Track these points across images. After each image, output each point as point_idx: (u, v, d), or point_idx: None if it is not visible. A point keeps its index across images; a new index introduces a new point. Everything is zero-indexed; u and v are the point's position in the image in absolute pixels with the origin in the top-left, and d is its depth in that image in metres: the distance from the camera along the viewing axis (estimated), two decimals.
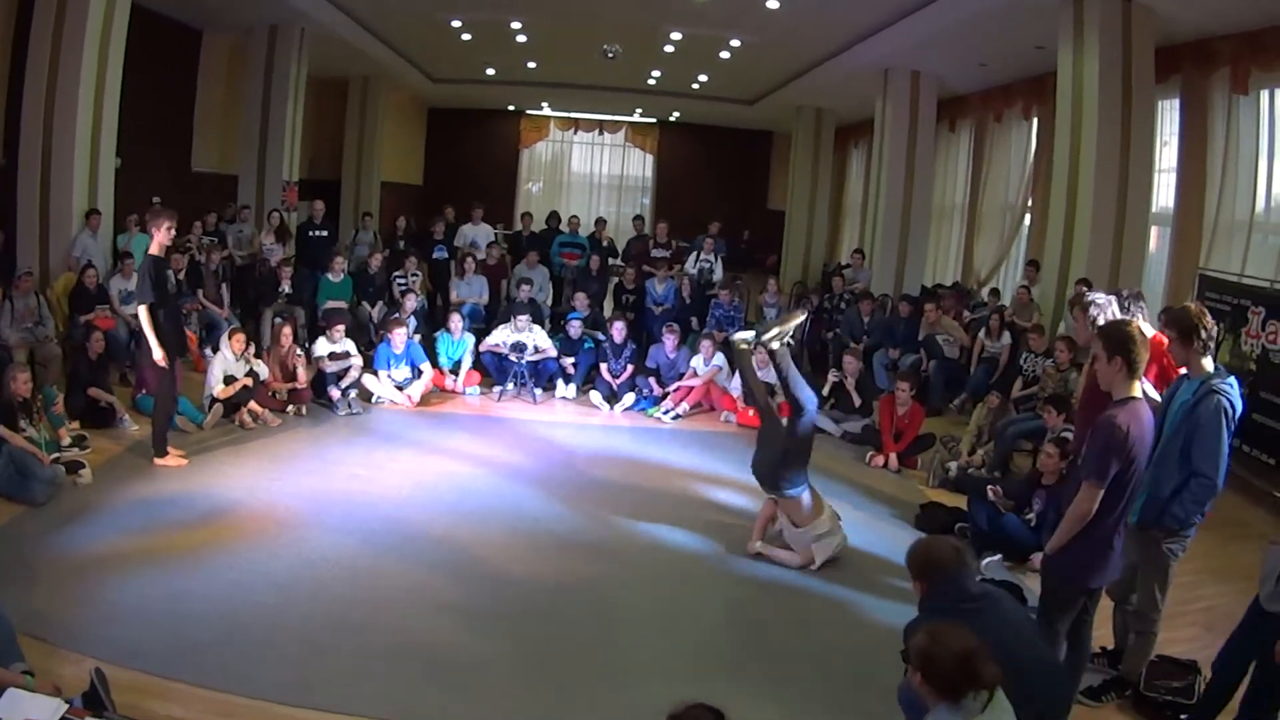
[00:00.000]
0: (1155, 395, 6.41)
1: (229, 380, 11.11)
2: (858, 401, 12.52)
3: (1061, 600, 5.59)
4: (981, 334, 14.15)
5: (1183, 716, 5.95)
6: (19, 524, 7.99)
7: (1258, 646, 5.29)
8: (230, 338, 11.39)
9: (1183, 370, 6.19)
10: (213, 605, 6.84)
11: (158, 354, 9.25)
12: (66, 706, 4.11)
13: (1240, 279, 11.50)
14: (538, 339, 13.60)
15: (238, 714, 5.59)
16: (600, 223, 20.20)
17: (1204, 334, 5.85)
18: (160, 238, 9.22)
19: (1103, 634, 6.38)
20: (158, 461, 9.55)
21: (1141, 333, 5.48)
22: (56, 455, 9.07)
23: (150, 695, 5.60)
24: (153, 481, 9.23)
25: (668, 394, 13.32)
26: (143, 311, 9.23)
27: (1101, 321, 6.75)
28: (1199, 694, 5.96)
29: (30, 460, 8.53)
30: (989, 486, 9.00)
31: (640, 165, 34.33)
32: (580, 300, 15.21)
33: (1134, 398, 5.25)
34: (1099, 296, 7.10)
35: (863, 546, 8.80)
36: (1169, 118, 13.84)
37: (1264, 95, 12.34)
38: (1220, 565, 6.09)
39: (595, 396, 13.43)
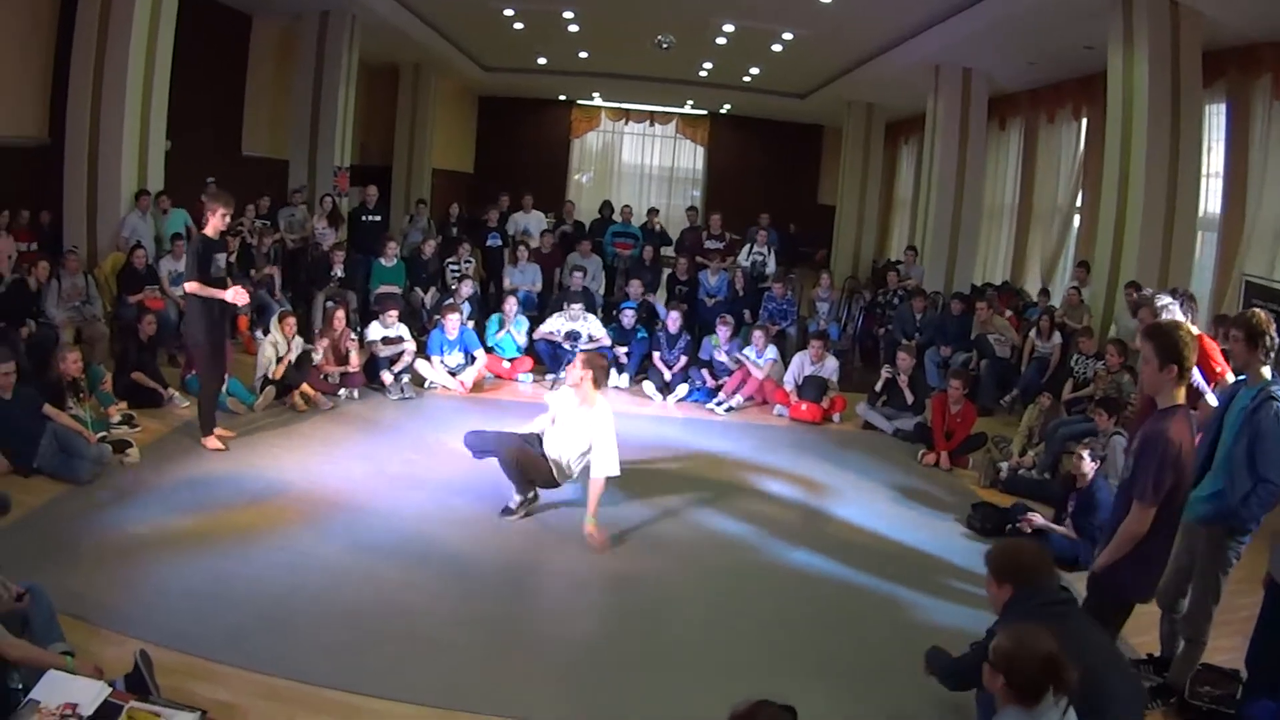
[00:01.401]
0: (1213, 400, 6.55)
1: (281, 361, 11.05)
2: (910, 398, 12.33)
3: (1110, 615, 5.44)
4: (1032, 334, 14.01)
5: None
6: (63, 503, 7.91)
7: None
8: (281, 321, 11.37)
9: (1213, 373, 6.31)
10: (260, 588, 6.76)
11: (228, 295, 9.19)
12: (109, 690, 3.97)
13: None
14: (592, 328, 13.52)
15: (284, 697, 5.50)
16: (653, 212, 20.10)
17: (1269, 341, 5.82)
18: (215, 222, 9.11)
19: (1146, 640, 6.31)
20: (204, 442, 9.44)
21: (1193, 336, 5.35)
22: (103, 434, 9.02)
23: (195, 677, 5.50)
24: (201, 462, 9.15)
25: (721, 386, 13.15)
26: (191, 287, 9.08)
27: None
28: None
29: (76, 439, 8.48)
30: (1019, 519, 8.88)
31: (691, 157, 34.15)
32: (635, 288, 15.06)
33: (1179, 405, 5.15)
34: (1166, 299, 6.96)
35: (915, 545, 8.75)
36: (1215, 123, 13.61)
37: None
38: (1261, 574, 5.90)
39: (648, 387, 13.29)
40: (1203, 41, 12.46)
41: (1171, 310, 6.94)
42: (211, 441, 9.44)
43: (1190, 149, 12.62)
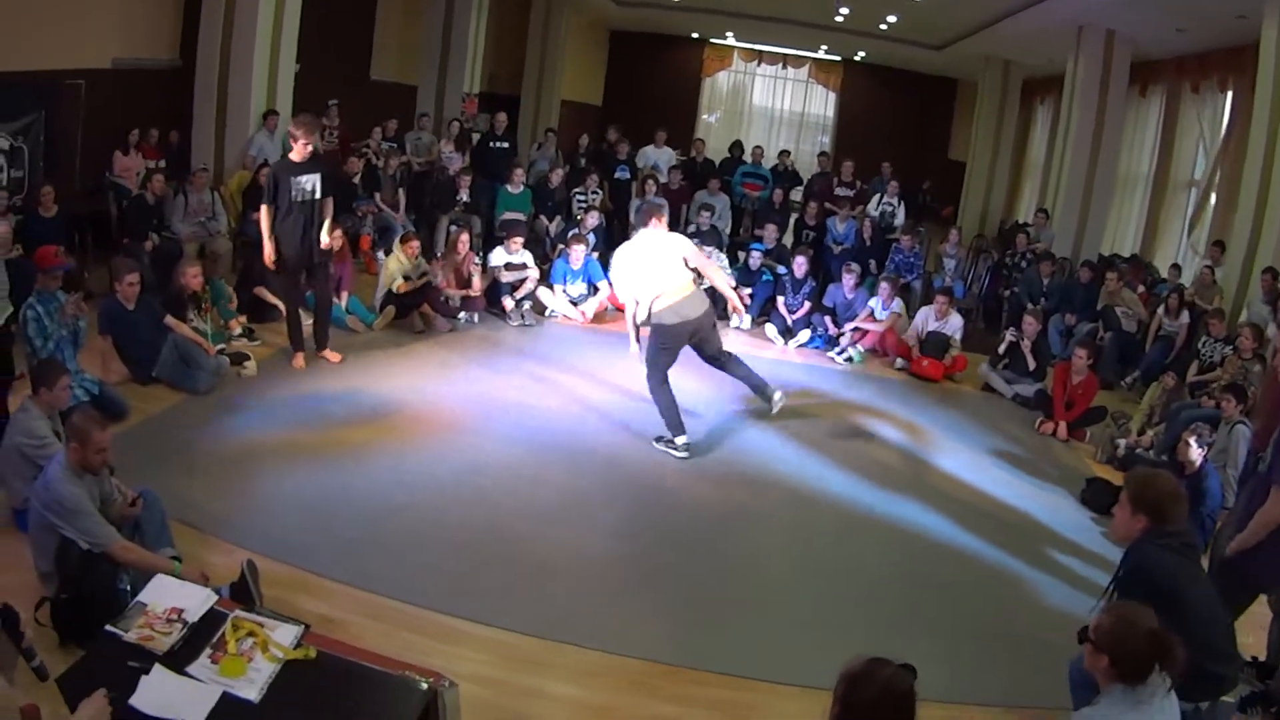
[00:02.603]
0: None
1: (407, 279, 11.02)
2: (1032, 364, 12.00)
3: (1232, 601, 5.31)
4: (1160, 311, 13.46)
5: None
6: (180, 412, 7.99)
7: None
8: (404, 243, 11.33)
9: None
10: (371, 504, 6.78)
11: (268, 251, 9.06)
12: (215, 598, 3.90)
13: None
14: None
15: (386, 616, 5.48)
16: (784, 154, 19.86)
17: None
18: (299, 149, 8.98)
19: (1252, 643, 5.99)
20: (293, 359, 9.46)
21: None
22: (222, 347, 9.09)
23: (300, 590, 5.52)
24: (318, 377, 9.18)
25: (843, 334, 12.90)
26: (264, 211, 9.06)
27: None
28: None
29: (195, 350, 8.55)
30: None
31: (822, 103, 33.56)
32: (769, 231, 14.78)
33: None
34: None
35: (1027, 513, 8.54)
36: None
37: None
38: None
39: (770, 330, 13.10)
40: None
41: None
42: (298, 360, 9.43)
43: None
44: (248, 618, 3.76)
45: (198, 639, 3.63)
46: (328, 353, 9.61)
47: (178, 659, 3.53)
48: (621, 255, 8.86)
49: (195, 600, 3.81)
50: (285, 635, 3.69)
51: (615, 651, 5.51)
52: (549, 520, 6.99)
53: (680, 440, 8.48)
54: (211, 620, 3.73)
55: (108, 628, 3.65)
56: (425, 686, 3.71)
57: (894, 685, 3.30)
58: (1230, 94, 16.71)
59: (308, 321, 9.79)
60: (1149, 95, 20.41)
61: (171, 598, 3.80)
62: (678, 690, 5.30)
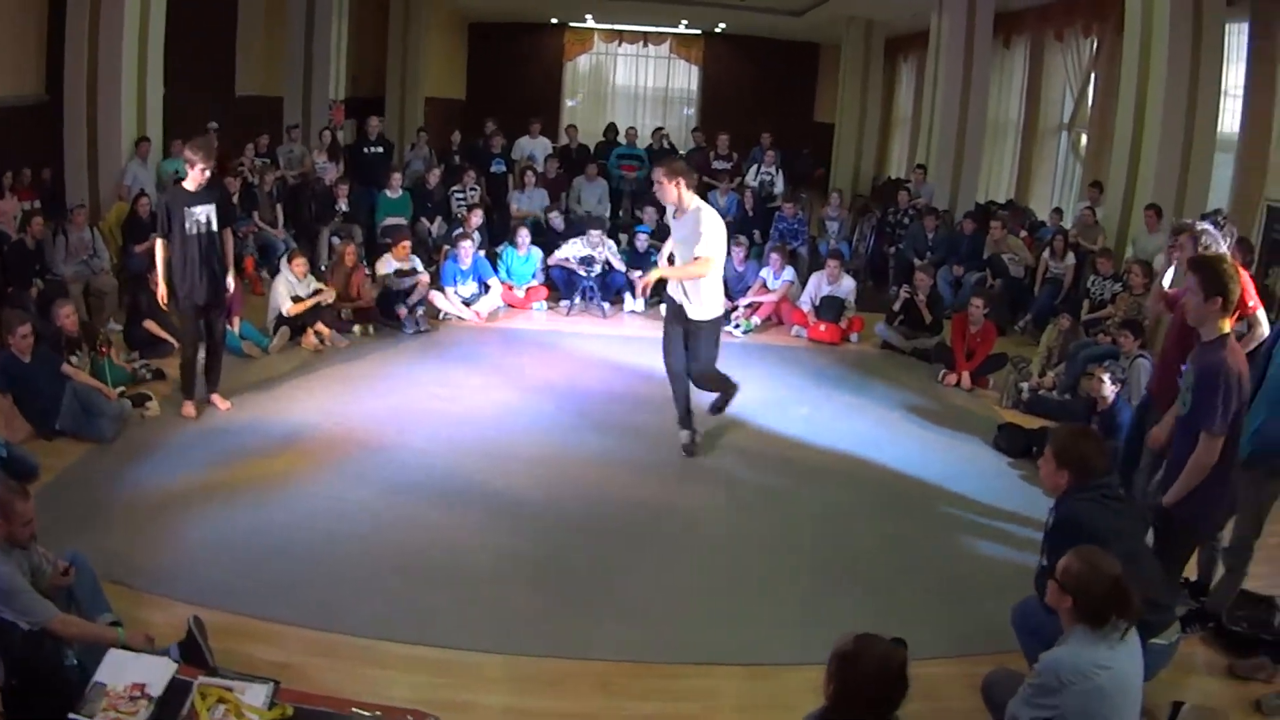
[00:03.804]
0: (1265, 322, 6.55)
1: (297, 300, 10.81)
2: (929, 318, 12.18)
3: (1179, 547, 5.60)
4: (1046, 254, 13.83)
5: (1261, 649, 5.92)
6: (89, 463, 7.68)
7: None
8: (290, 261, 11.12)
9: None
10: (301, 537, 6.62)
11: (160, 291, 8.70)
12: (175, 667, 3.77)
13: None
14: (610, 253, 13.34)
15: (341, 653, 5.35)
16: (659, 132, 19.97)
17: None
18: (195, 175, 8.36)
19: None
20: (183, 409, 8.80)
21: (1236, 269, 5.41)
22: (122, 389, 8.76)
23: (248, 638, 5.35)
24: (222, 412, 8.89)
25: (737, 307, 12.92)
26: (158, 245, 8.62)
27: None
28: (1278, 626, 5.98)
29: (96, 397, 8.23)
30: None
31: (685, 77, 33.57)
32: (649, 214, 14.76)
33: (1226, 334, 5.22)
34: (1209, 227, 6.80)
35: (947, 464, 8.76)
36: (1235, 42, 13.16)
37: None
38: None
39: (665, 310, 12.99)
40: None
41: (1214, 239, 6.76)
42: (188, 408, 8.81)
43: (1210, 69, 12.38)
44: (213, 683, 3.64)
45: (166, 714, 3.50)
46: (216, 398, 9.00)
47: None
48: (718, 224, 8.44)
49: (155, 672, 3.67)
50: (256, 696, 3.59)
51: (580, 656, 5.49)
52: (487, 529, 6.94)
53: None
54: (176, 691, 3.60)
55: (71, 715, 3.50)
56: None
57: (888, 660, 3.41)
58: (1095, 39, 17.01)
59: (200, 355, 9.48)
60: (1013, 45, 20.80)
61: (130, 673, 3.65)
62: (650, 686, 5.33)
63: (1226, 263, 5.35)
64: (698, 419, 8.69)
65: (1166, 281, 6.95)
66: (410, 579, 6.17)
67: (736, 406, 9.16)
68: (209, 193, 8.49)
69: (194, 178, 8.35)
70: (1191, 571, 6.48)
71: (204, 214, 8.41)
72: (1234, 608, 6.09)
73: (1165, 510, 5.39)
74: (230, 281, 8.78)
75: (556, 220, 14.89)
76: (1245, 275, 6.79)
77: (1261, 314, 6.61)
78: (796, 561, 6.89)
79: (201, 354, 8.89)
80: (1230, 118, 13.21)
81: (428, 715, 3.74)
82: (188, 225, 8.33)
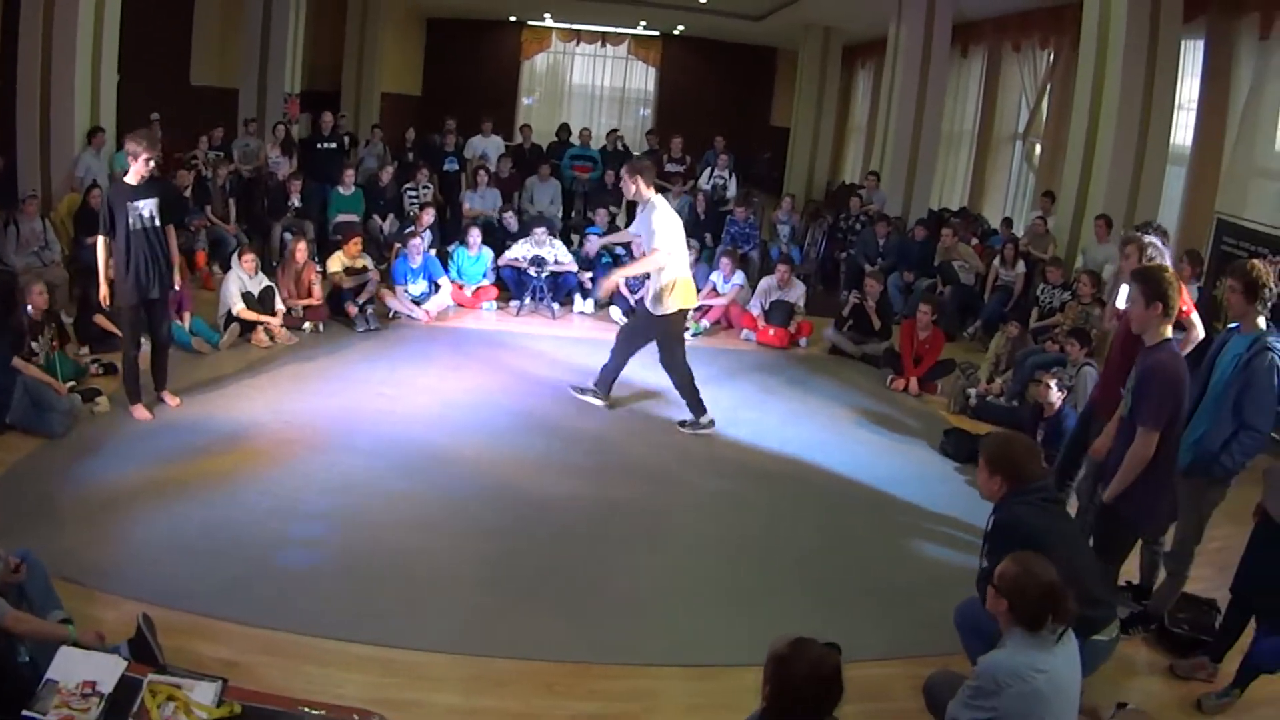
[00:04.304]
0: (1199, 325, 6.73)
1: (247, 298, 10.79)
2: (878, 324, 12.38)
3: (1119, 544, 5.83)
4: (996, 262, 14.06)
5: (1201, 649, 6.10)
6: (39, 459, 7.62)
7: (1272, 562, 5.54)
8: (241, 257, 11.08)
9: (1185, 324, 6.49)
10: (250, 536, 6.63)
11: (103, 291, 8.32)
12: (125, 664, 3.82)
13: (1259, 228, 11.15)
14: (558, 253, 13.37)
15: (288, 652, 5.38)
16: (613, 134, 20.02)
17: (1267, 294, 5.91)
18: (139, 168, 8.14)
19: (1128, 568, 6.40)
20: (131, 411, 8.64)
21: (1176, 278, 5.66)
22: (73, 384, 8.68)
23: (196, 637, 5.37)
24: (173, 407, 8.85)
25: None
26: (99, 243, 8.26)
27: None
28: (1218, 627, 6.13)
29: (46, 391, 8.11)
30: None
31: (642, 78, 33.71)
32: (601, 215, 14.91)
33: (1170, 339, 5.51)
34: (1156, 240, 7.01)
35: (894, 468, 8.92)
36: (1190, 59, 13.48)
37: None
38: (1231, 508, 6.22)
39: (614, 312, 13.15)
40: None
41: (1159, 251, 6.96)
42: (140, 411, 8.65)
43: (1165, 84, 12.62)
44: (163, 680, 3.69)
45: (117, 711, 3.54)
46: (166, 395, 8.92)
47: None
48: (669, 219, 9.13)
49: (106, 670, 3.72)
50: (205, 694, 3.64)
51: (525, 656, 5.56)
52: (433, 530, 6.98)
53: (705, 419, 9.27)
54: (127, 688, 3.64)
55: (25, 713, 3.54)
56: None
57: (823, 663, 3.51)
58: (1051, 51, 17.29)
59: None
60: (971, 55, 21.14)
61: (81, 670, 3.69)
62: (592, 686, 5.39)
63: (1167, 272, 5.61)
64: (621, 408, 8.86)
65: (1120, 301, 7.14)
66: (358, 579, 6.21)
67: (682, 409, 9.34)
68: (152, 186, 8.32)
69: (137, 170, 8.15)
70: (1135, 575, 6.72)
71: (147, 208, 8.22)
72: (1175, 610, 6.31)
73: (1108, 508, 5.60)
74: (176, 278, 8.66)
75: (510, 221, 14.92)
76: (1182, 284, 7.07)
77: (1195, 318, 6.80)
78: (742, 563, 6.99)
79: (146, 349, 8.82)
80: (1183, 131, 13.49)
81: (374, 714, 3.79)
82: (131, 220, 8.13)
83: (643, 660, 5.69)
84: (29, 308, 8.68)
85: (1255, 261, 6.10)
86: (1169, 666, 6.02)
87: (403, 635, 5.62)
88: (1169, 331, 5.50)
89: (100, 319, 9.90)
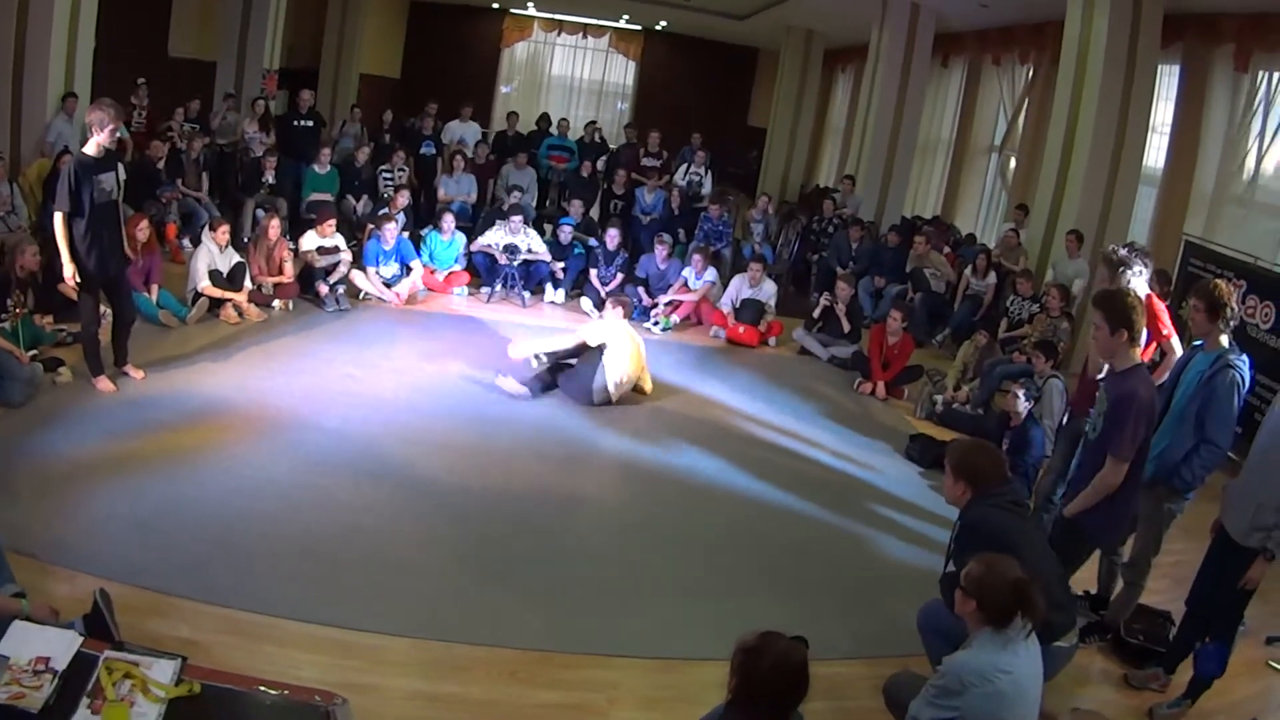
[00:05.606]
0: (1179, 349, 6.94)
1: (215, 275, 10.67)
2: (847, 327, 12.46)
3: (1076, 554, 5.86)
4: (967, 271, 14.13)
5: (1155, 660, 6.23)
6: None
7: (1227, 577, 5.61)
8: (213, 230, 10.93)
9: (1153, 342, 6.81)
10: (212, 514, 6.54)
11: (67, 270, 7.88)
12: (80, 640, 3.73)
13: (1226, 252, 11.35)
14: (532, 242, 13.33)
15: (246, 631, 5.32)
16: (591, 125, 19.96)
17: (1229, 313, 5.98)
18: (100, 138, 7.75)
19: (1084, 577, 6.47)
20: (95, 383, 8.43)
21: (1140, 300, 5.81)
22: (35, 353, 8.41)
23: (153, 614, 5.30)
24: (136, 380, 8.71)
25: (657, 304, 13.10)
26: (57, 220, 7.78)
27: (1136, 287, 6.83)
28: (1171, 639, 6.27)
29: (8, 359, 7.86)
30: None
31: (622, 72, 33.60)
32: (575, 207, 14.89)
33: (1139, 364, 5.59)
34: (1136, 263, 6.99)
35: (854, 473, 9.04)
36: (1166, 83, 13.66)
37: (1263, 76, 12.17)
38: (1189, 522, 6.39)
39: (585, 303, 13.21)
40: (1165, 5, 12.50)
41: (1134, 275, 6.96)
42: (103, 383, 8.40)
43: (1140, 106, 12.74)
44: (120, 658, 3.59)
45: (71, 689, 3.41)
46: (129, 368, 8.73)
47: (55, 714, 3.36)
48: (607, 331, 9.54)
49: (60, 646, 3.61)
50: (163, 672, 3.54)
51: (487, 643, 5.55)
52: (398, 513, 6.95)
53: None
54: (82, 665, 3.53)
55: None
56: (318, 706, 3.63)
57: (789, 657, 3.53)
58: (1031, 67, 17.38)
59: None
60: (951, 65, 21.20)
61: (34, 646, 3.56)
62: (555, 675, 5.40)
63: (1130, 296, 5.64)
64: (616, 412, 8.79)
65: None
66: (319, 560, 6.16)
67: (650, 405, 9.33)
68: (112, 159, 8.01)
69: (98, 141, 7.78)
70: (1092, 585, 6.80)
71: (109, 181, 7.97)
72: (1131, 621, 6.43)
73: (1069, 520, 5.68)
74: (128, 250, 8.49)
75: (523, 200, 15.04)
76: (1162, 305, 7.11)
77: (1175, 342, 6.94)
78: (706, 559, 7.01)
79: (107, 322, 8.64)
80: (1156, 153, 13.62)
81: (335, 695, 3.72)
82: (96, 195, 7.82)
83: (606, 650, 5.68)
84: (18, 266, 8.56)
85: (1219, 282, 6.16)
86: (1123, 676, 6.14)
87: (364, 618, 5.58)
88: (1138, 356, 5.60)
89: (64, 288, 9.72)
